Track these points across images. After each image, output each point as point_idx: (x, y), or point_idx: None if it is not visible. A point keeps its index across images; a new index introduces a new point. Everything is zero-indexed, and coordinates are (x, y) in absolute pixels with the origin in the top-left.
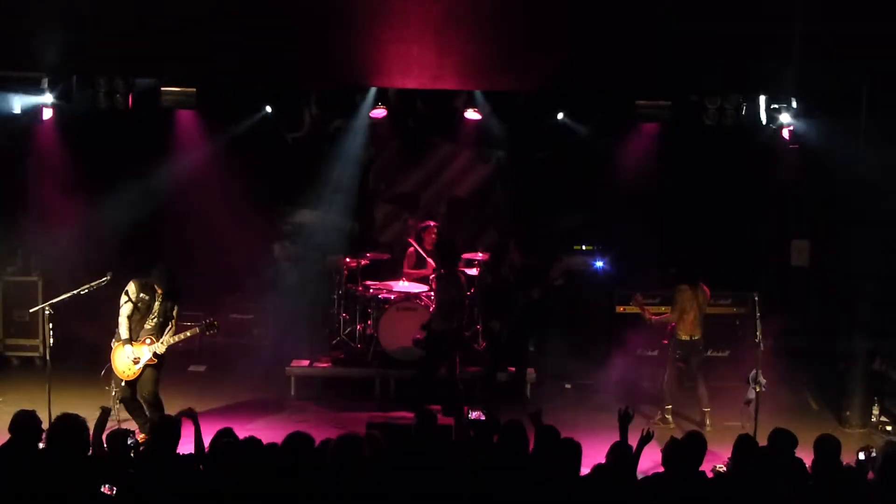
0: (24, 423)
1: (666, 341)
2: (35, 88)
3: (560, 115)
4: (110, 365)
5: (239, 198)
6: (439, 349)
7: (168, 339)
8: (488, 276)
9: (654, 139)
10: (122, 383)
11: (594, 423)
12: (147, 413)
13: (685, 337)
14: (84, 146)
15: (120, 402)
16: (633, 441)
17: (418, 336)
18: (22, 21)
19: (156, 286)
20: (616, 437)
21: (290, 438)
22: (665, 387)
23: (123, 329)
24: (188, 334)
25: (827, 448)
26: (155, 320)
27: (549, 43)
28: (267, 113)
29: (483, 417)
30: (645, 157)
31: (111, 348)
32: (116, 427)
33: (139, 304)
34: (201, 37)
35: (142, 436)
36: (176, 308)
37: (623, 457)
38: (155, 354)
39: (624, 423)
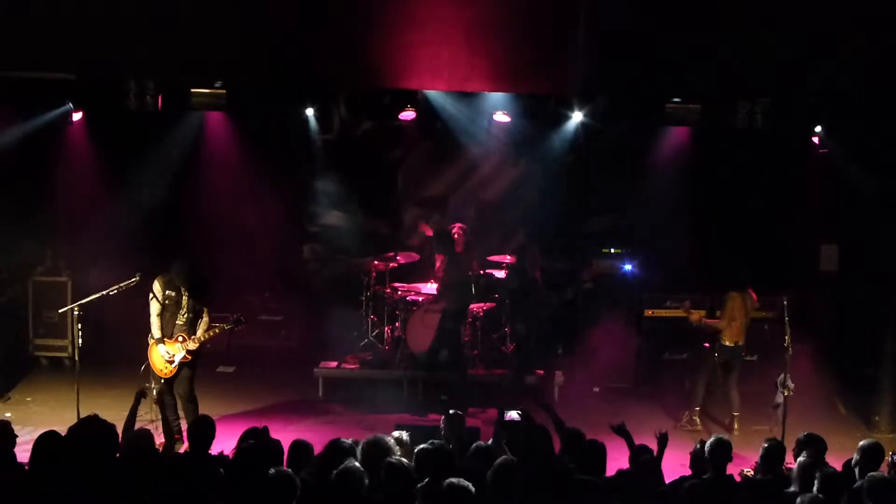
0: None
1: (708, 344)
2: (65, 90)
3: (590, 119)
4: (148, 363)
5: (268, 200)
6: (458, 326)
7: (200, 335)
8: (514, 279)
9: (683, 142)
10: (161, 381)
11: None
12: (181, 411)
13: (730, 343)
14: (113, 148)
15: (157, 397)
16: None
17: None
18: (53, 23)
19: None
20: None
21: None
22: (696, 389)
23: (155, 328)
24: (217, 331)
25: (872, 455)
26: (185, 316)
27: (579, 45)
28: (296, 111)
29: (518, 419)
30: (674, 161)
31: (147, 346)
32: (149, 425)
33: (167, 302)
34: (230, 40)
35: (162, 439)
36: (204, 305)
37: (645, 460)
38: (189, 352)
39: (661, 444)
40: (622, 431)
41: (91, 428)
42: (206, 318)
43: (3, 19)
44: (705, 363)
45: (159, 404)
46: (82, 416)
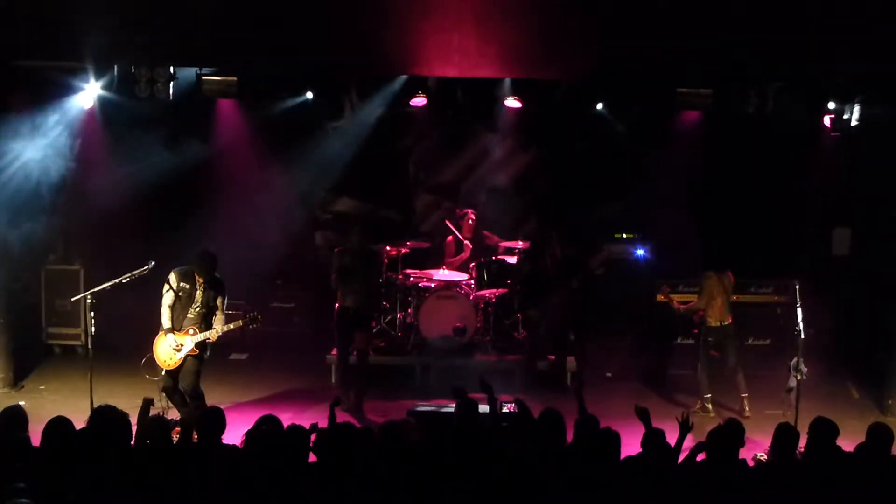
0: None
1: (696, 331)
2: (77, 78)
3: (600, 104)
4: (151, 355)
5: (279, 186)
6: (355, 326)
7: (219, 328)
8: (527, 265)
9: (695, 127)
10: (164, 373)
11: (634, 412)
12: (188, 403)
13: (715, 323)
14: (125, 135)
15: (161, 392)
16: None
17: (458, 324)
18: (66, 10)
19: (196, 275)
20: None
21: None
22: (700, 375)
23: (165, 318)
24: (231, 326)
25: (880, 437)
26: (197, 310)
27: (589, 31)
28: (307, 98)
29: (515, 410)
30: (686, 145)
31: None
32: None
33: (180, 294)
34: (241, 26)
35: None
36: (220, 298)
37: (658, 444)
38: (197, 345)
39: (644, 417)
40: (643, 416)
41: (105, 417)
42: (220, 316)
43: (17, 8)
44: (700, 349)
45: (168, 398)
46: (96, 404)
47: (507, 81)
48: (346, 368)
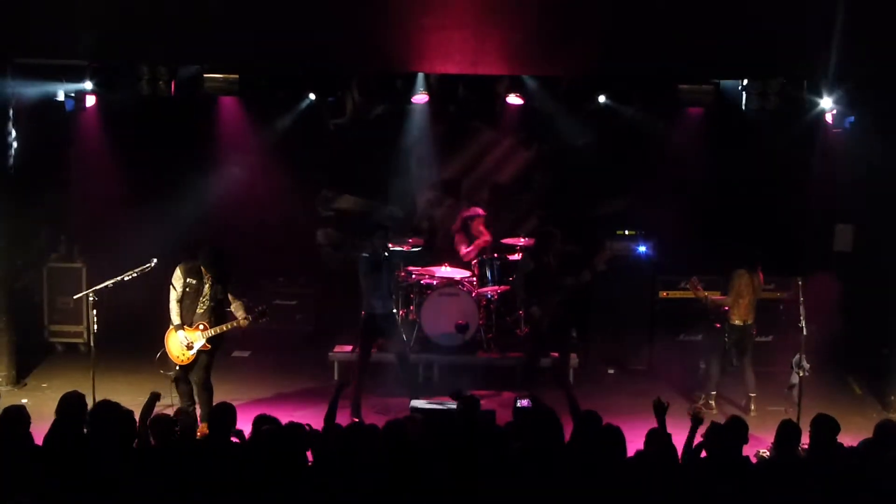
0: (70, 404)
1: (719, 325)
2: (78, 76)
3: (602, 100)
4: (165, 350)
5: (281, 184)
6: (379, 333)
7: (241, 315)
8: (530, 262)
9: (696, 124)
10: (176, 367)
11: (636, 409)
12: (196, 398)
13: (738, 322)
14: (127, 133)
15: (172, 383)
16: (673, 429)
17: (461, 321)
18: (65, 8)
19: (203, 270)
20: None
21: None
22: (711, 372)
23: (174, 315)
24: (236, 325)
25: (889, 435)
26: (206, 304)
27: (590, 27)
28: (311, 100)
29: (530, 405)
30: (687, 142)
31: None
32: (167, 410)
33: (187, 289)
34: (242, 21)
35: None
36: (228, 291)
37: (662, 442)
38: (209, 340)
39: (660, 413)
40: (659, 411)
41: (109, 413)
42: (237, 303)
43: (16, 5)
44: (717, 345)
45: (175, 388)
46: (98, 401)
47: (509, 78)
48: (365, 372)
